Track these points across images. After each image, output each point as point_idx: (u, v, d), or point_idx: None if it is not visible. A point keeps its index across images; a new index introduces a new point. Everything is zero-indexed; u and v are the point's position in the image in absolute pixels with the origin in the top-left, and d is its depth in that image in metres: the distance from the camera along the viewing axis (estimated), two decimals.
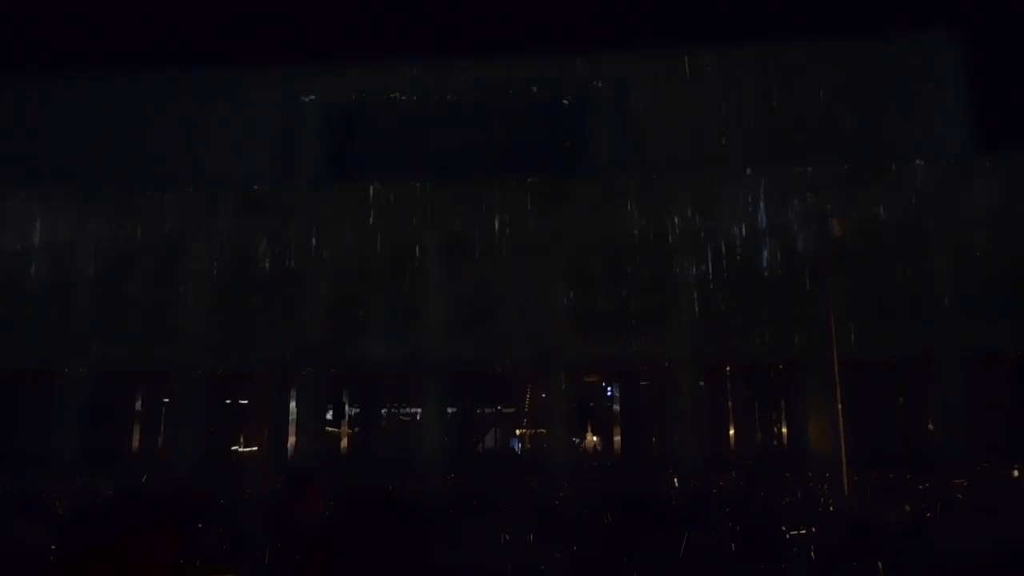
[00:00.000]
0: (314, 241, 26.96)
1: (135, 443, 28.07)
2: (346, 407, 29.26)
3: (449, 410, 26.94)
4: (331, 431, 28.17)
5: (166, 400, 28.29)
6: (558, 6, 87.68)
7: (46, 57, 79.72)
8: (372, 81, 32.99)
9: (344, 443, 28.47)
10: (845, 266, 23.13)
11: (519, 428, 29.71)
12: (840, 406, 18.78)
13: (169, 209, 27.80)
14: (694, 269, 25.59)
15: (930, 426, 25.29)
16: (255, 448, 26.72)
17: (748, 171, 26.50)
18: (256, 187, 28.05)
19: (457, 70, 32.90)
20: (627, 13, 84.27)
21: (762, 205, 25.92)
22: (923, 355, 24.56)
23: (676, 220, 25.98)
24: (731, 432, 26.37)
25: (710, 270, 25.61)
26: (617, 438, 27.21)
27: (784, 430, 26.82)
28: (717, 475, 21.03)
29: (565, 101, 32.73)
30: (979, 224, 24.96)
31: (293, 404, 26.65)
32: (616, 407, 27.71)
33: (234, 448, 28.18)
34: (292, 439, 26.42)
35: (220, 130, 31.52)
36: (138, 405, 28.87)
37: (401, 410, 29.38)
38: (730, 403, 26.69)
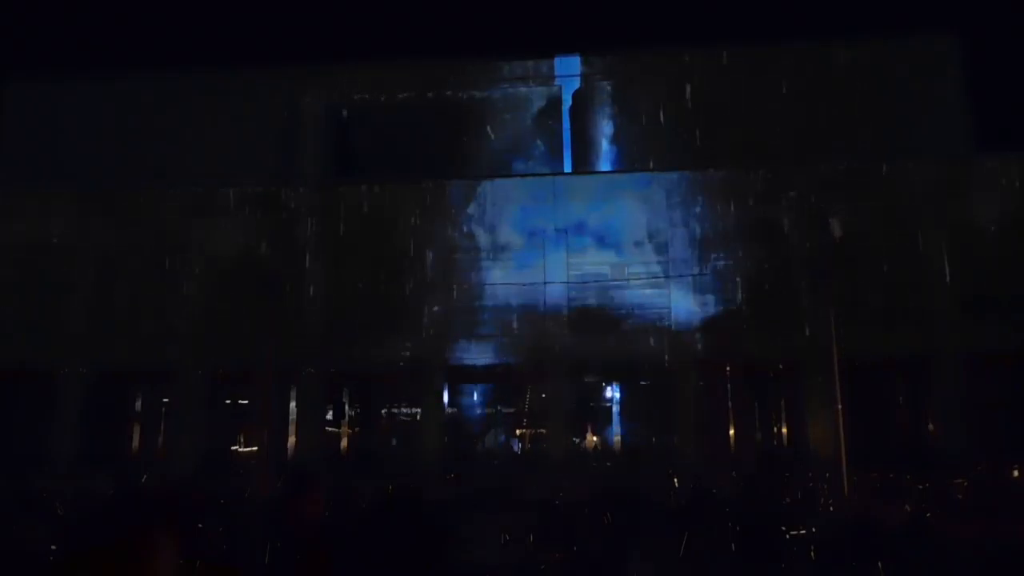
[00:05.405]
0: (314, 241, 26.99)
1: (135, 443, 28.05)
2: (346, 407, 29.24)
3: (449, 410, 26.94)
4: (331, 431, 28.15)
5: (166, 400, 28.27)
6: (558, 6, 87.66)
7: (46, 57, 79.65)
8: (372, 81, 32.97)
9: (344, 443, 28.46)
10: (845, 266, 23.13)
11: (519, 428, 29.69)
12: (840, 406, 18.78)
13: (169, 208, 27.81)
14: (694, 268, 25.61)
15: (930, 426, 25.28)
16: (255, 448, 26.72)
17: (748, 170, 26.51)
18: (256, 187, 28.04)
19: (457, 70, 32.90)
20: (627, 12, 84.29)
21: (762, 204, 25.91)
22: (923, 355, 24.55)
23: (674, 218, 25.98)
24: (731, 432, 26.36)
25: (709, 270, 25.61)
26: (617, 438, 27.22)
27: (784, 430, 26.82)
28: (717, 475, 21.01)
29: (565, 100, 32.76)
30: (979, 224, 24.96)
31: (293, 404, 26.66)
32: (616, 407, 27.71)
33: (234, 448, 28.16)
34: (292, 439, 26.42)
35: (220, 130, 31.46)
36: (138, 405, 28.84)
37: (401, 410, 29.37)
38: (730, 403, 26.68)
